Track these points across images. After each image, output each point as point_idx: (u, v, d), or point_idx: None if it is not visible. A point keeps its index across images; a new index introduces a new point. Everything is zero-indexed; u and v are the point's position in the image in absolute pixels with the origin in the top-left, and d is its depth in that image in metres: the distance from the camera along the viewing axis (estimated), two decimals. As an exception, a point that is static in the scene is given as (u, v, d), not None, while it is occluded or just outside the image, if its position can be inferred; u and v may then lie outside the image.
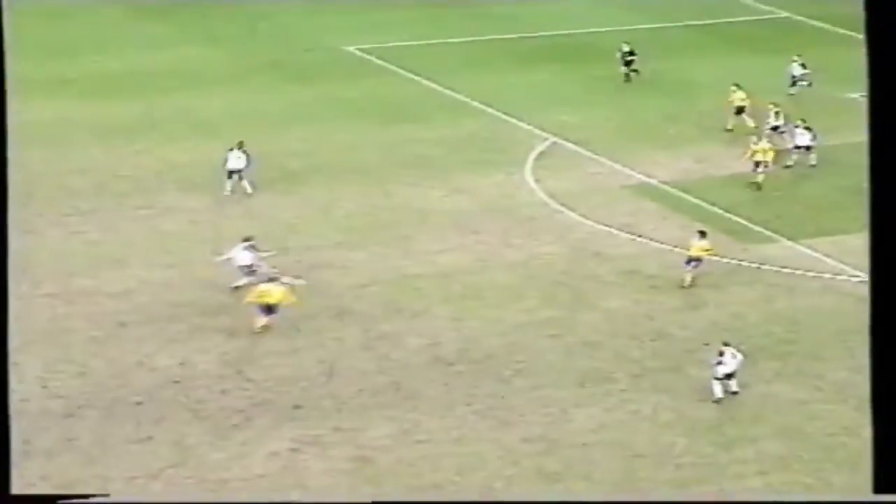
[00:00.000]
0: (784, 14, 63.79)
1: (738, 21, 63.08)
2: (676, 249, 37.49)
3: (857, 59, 61.03)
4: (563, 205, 41.12)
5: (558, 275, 36.45)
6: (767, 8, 64.68)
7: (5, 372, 19.57)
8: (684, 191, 42.36)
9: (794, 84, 50.88)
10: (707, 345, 32.39)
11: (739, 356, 30.32)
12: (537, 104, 50.02)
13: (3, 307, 19.52)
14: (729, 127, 47.06)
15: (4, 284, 19.58)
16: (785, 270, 36.76)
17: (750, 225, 39.83)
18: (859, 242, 38.44)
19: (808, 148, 44.04)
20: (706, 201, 41.43)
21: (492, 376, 31.26)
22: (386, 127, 47.97)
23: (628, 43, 52.79)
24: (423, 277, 36.09)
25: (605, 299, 35.04)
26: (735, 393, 30.13)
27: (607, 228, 39.36)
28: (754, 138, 43.45)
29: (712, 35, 60.43)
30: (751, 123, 46.64)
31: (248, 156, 41.28)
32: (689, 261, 35.61)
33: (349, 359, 31.83)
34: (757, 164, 42.56)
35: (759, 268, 36.96)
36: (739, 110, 47.21)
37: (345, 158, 44.95)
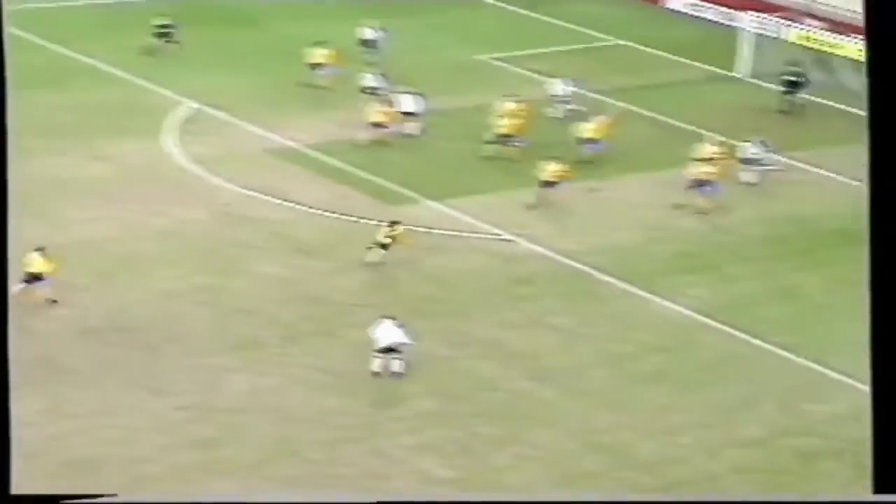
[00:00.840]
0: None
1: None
2: (324, 213, 37.85)
3: (483, 21, 62.84)
4: (208, 171, 40.78)
5: (207, 241, 36.19)
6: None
7: (6, 371, 18.57)
8: (327, 154, 42.64)
9: (366, 48, 50.48)
10: (356, 306, 32.95)
11: (400, 330, 29.95)
12: (177, 69, 49.32)
13: (3, 309, 18.64)
14: (308, 81, 47.28)
15: (4, 283, 18.77)
16: (430, 231, 37.50)
17: (393, 186, 40.45)
18: (497, 202, 39.77)
19: (412, 114, 43.64)
20: (349, 163, 41.83)
21: (142, 346, 30.85)
22: (18, 93, 46.16)
23: (165, 16, 51.60)
24: (68, 248, 35.14)
25: (256, 264, 35.00)
26: (399, 373, 29.86)
27: (254, 193, 39.26)
28: (379, 100, 43.78)
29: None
30: (323, 82, 47.17)
31: None
32: (380, 245, 35.04)
33: (-8, 333, 30.82)
34: (376, 125, 42.94)
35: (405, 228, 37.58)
36: (316, 66, 47.71)
37: (-23, 126, 43.28)
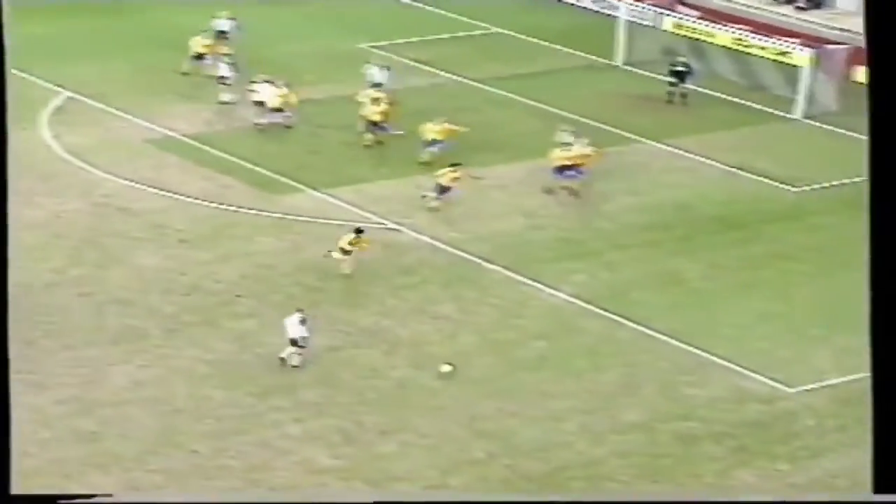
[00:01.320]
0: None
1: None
2: (204, 203, 37.58)
3: (364, 10, 62.51)
4: (84, 161, 40.26)
5: (85, 232, 35.75)
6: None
7: (6, 372, 18.26)
8: (207, 143, 42.30)
9: (221, 37, 49.06)
10: (239, 296, 32.80)
11: (302, 325, 29.86)
12: (48, 58, 48.49)
13: (3, 307, 18.31)
14: (185, 70, 47.11)
15: (5, 283, 18.40)
16: (312, 220, 37.36)
17: (274, 175, 40.23)
18: (378, 190, 39.73)
19: (278, 110, 43.12)
20: (229, 153, 41.54)
21: (19, 339, 29.97)
22: None
23: None
24: (-59, 240, 34.58)
25: (135, 255, 34.65)
26: (295, 366, 29.82)
27: (132, 184, 38.86)
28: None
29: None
30: (207, 71, 46.91)
31: None
32: (343, 252, 34.30)
33: None
34: (276, 109, 42.80)
35: (286, 218, 37.43)
36: (199, 56, 47.36)
37: None
